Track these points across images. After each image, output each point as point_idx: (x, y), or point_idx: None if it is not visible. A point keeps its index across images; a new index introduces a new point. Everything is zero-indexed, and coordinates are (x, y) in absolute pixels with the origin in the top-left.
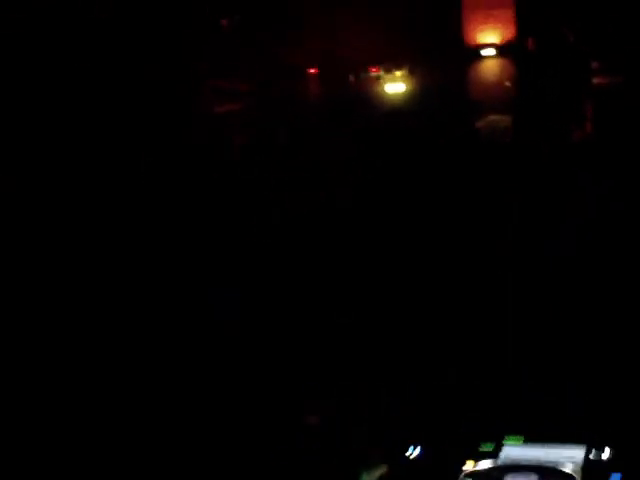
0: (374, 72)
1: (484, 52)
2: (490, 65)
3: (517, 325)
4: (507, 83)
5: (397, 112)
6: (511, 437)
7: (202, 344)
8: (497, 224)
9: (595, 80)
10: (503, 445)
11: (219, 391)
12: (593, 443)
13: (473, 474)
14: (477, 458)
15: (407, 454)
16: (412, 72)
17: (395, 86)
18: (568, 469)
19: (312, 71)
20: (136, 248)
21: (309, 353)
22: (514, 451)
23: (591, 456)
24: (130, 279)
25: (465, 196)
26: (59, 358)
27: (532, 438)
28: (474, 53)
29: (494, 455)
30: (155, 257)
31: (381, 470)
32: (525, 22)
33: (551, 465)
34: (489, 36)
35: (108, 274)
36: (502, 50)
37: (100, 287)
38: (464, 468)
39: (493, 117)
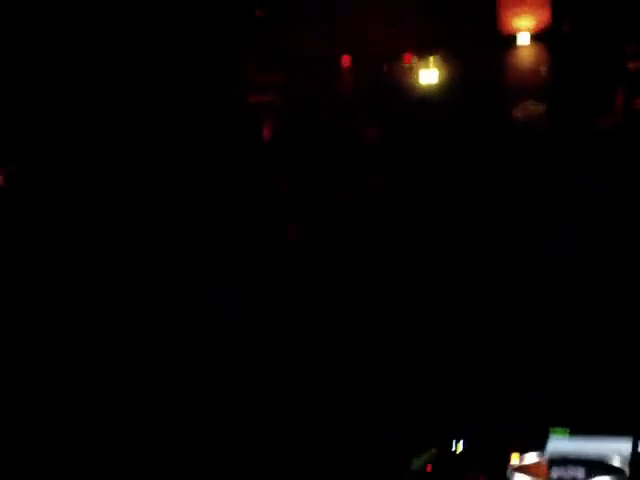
0: (408, 61)
1: (519, 38)
2: (525, 51)
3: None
4: (542, 69)
5: (431, 101)
6: (556, 429)
7: (202, 344)
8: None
9: (630, 65)
10: (549, 438)
11: (219, 391)
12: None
13: (520, 468)
14: (522, 451)
15: (453, 447)
16: (446, 60)
17: (429, 74)
18: (616, 462)
19: (345, 61)
20: (137, 247)
21: (309, 353)
22: (560, 444)
23: (639, 449)
24: (130, 278)
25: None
26: (59, 357)
27: (578, 430)
28: (509, 39)
29: (540, 448)
30: (155, 256)
31: (430, 455)
32: (560, 7)
33: (598, 458)
34: (524, 22)
35: (108, 272)
36: (537, 36)
37: (100, 286)
38: (511, 462)
39: (530, 104)
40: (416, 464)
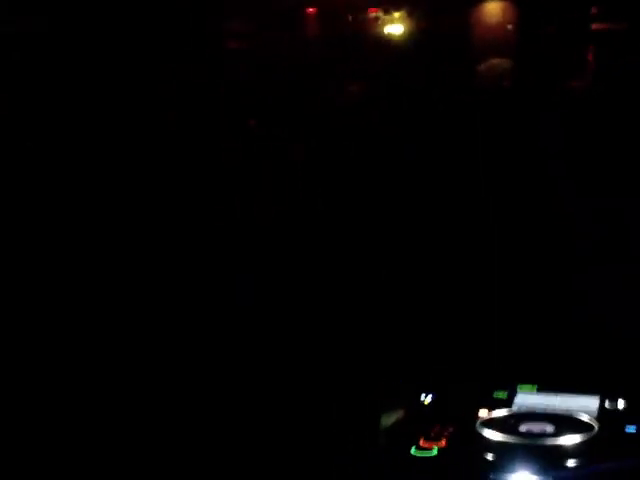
0: (373, 13)
1: None
2: (492, 7)
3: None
4: (509, 26)
5: (397, 55)
6: (524, 385)
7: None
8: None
9: (594, 26)
10: (516, 393)
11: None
12: (607, 393)
13: (489, 422)
14: (491, 406)
15: (421, 400)
16: (411, 14)
17: (394, 28)
18: (584, 418)
19: (311, 10)
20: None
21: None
22: (528, 399)
23: (606, 406)
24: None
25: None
26: (73, 343)
27: (545, 386)
28: None
29: (508, 403)
30: (167, 244)
31: (398, 415)
32: None
33: (566, 414)
34: None
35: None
36: None
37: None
38: (479, 415)
39: (494, 60)
40: (385, 422)
